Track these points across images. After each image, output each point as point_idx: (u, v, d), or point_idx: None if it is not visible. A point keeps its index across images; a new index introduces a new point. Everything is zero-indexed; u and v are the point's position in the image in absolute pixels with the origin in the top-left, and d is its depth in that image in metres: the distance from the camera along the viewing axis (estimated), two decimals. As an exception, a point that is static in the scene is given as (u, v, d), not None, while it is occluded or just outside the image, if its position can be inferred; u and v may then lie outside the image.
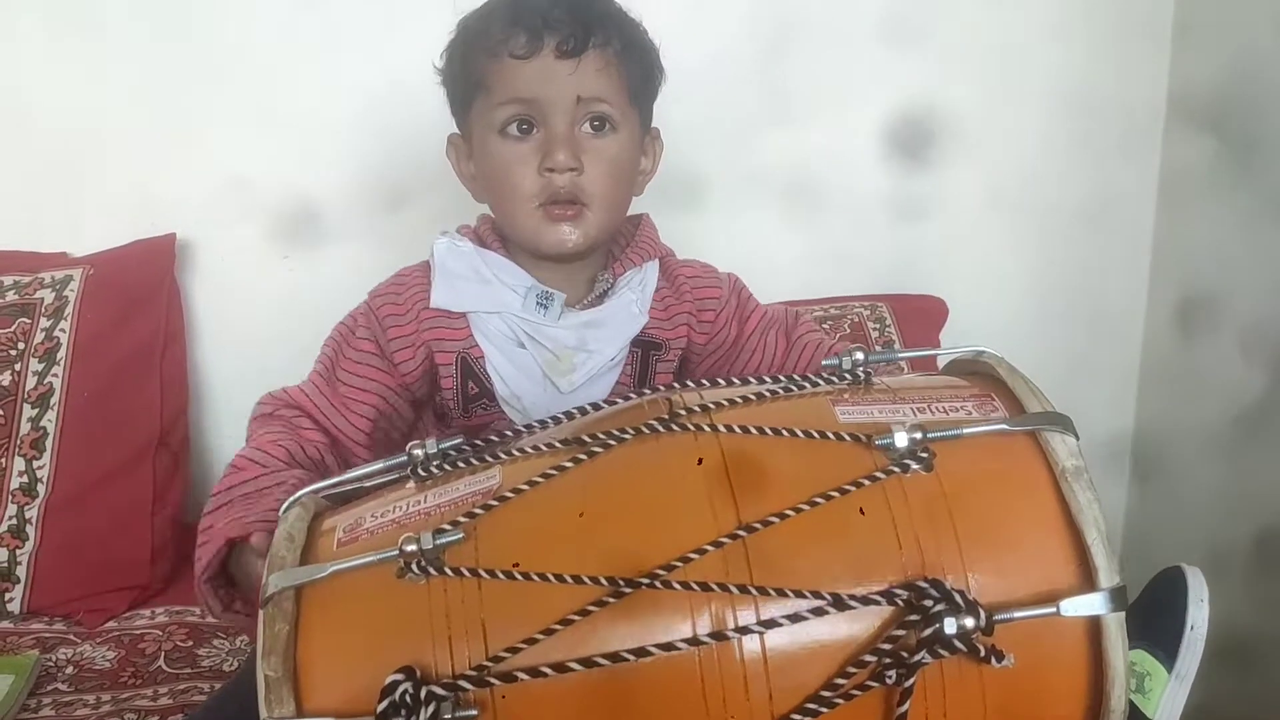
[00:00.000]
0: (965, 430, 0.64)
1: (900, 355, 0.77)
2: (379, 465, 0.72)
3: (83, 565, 1.22)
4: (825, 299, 1.50)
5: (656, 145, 1.00)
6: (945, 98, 1.49)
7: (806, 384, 0.72)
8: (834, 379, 0.72)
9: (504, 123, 0.90)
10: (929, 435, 0.63)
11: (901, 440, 0.63)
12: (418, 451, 0.70)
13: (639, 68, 0.94)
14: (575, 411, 0.74)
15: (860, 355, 0.72)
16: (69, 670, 1.09)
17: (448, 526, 0.62)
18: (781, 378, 0.73)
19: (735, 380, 0.74)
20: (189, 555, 1.27)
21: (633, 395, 0.75)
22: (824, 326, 1.45)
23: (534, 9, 0.88)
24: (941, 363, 0.78)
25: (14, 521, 1.21)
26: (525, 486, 0.64)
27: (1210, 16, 1.46)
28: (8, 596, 1.20)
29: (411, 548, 0.61)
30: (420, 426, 0.98)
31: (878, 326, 1.47)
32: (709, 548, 0.60)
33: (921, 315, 1.51)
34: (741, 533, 0.60)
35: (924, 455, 0.63)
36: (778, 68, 1.46)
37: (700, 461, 0.64)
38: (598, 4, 0.92)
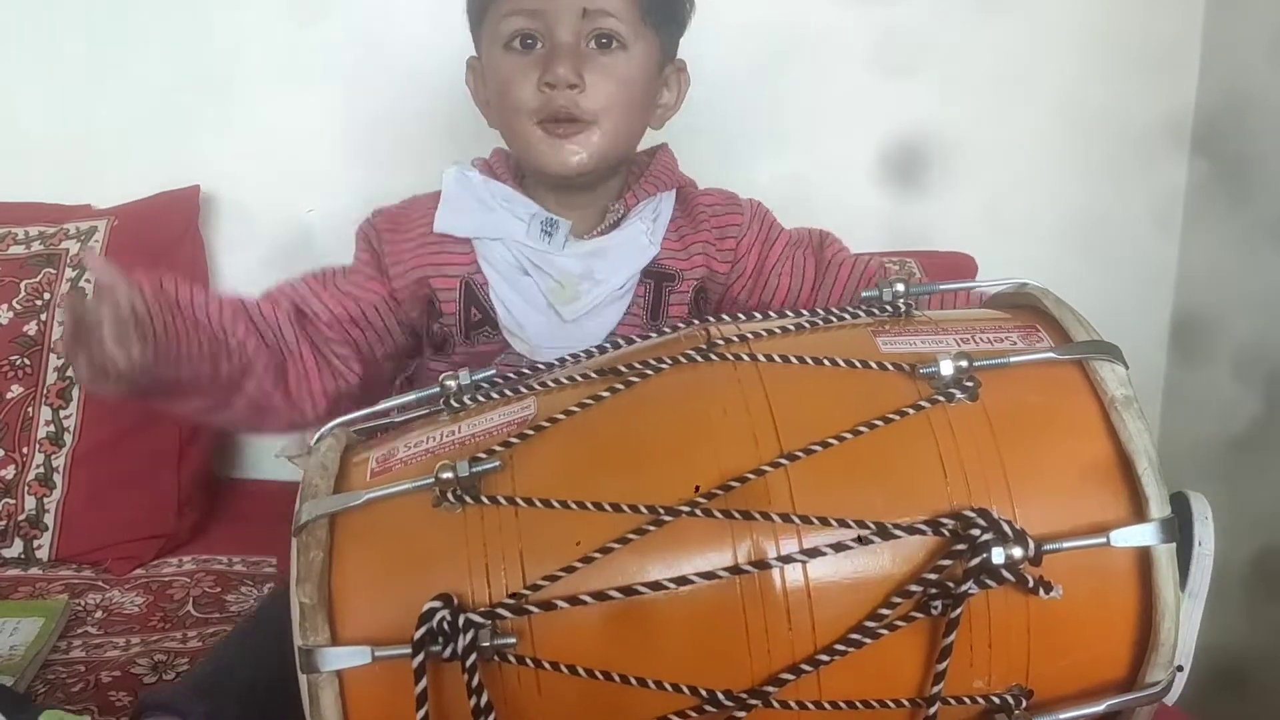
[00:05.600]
0: (1012, 359, 0.63)
1: (942, 286, 0.75)
2: (411, 397, 0.71)
3: (110, 514, 1.22)
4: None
5: (681, 79, 0.97)
6: (941, 122, 1.46)
7: (846, 315, 0.70)
8: (874, 311, 0.71)
9: (509, 36, 0.88)
10: (975, 364, 0.62)
11: (947, 369, 0.62)
12: (450, 383, 0.69)
13: None
14: (609, 345, 0.73)
15: (901, 287, 0.71)
16: (98, 615, 1.08)
17: (484, 455, 0.61)
18: (820, 310, 0.71)
19: (772, 313, 0.72)
20: (216, 507, 1.31)
21: (667, 330, 0.74)
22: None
23: None
24: (983, 295, 0.76)
25: (41, 470, 1.21)
26: (562, 416, 0.63)
27: (1202, 38, 1.45)
28: (36, 544, 1.19)
29: (447, 475, 0.60)
30: (417, 355, 0.98)
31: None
32: (751, 476, 0.58)
33: (952, 271, 1.49)
34: (784, 461, 0.59)
35: (969, 384, 0.62)
36: (775, 92, 1.43)
37: (741, 390, 0.62)
38: None
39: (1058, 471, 0.61)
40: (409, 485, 0.61)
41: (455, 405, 0.69)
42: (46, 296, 1.27)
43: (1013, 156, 1.48)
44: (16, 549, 1.19)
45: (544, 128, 0.88)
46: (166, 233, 1.36)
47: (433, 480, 0.60)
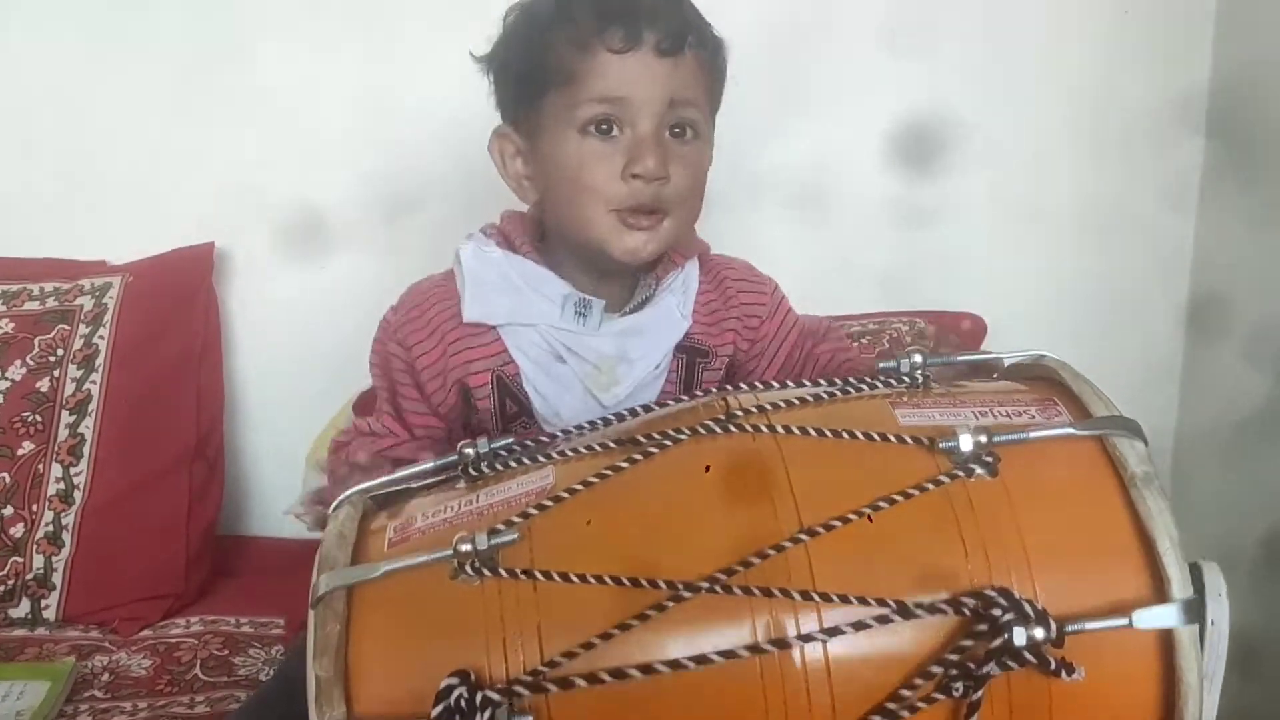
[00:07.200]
0: (1032, 434, 0.63)
1: (960, 359, 0.75)
2: (429, 465, 0.71)
3: (118, 573, 1.22)
4: (864, 314, 1.48)
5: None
6: (951, 104, 1.46)
7: (864, 386, 0.70)
8: (891, 382, 0.71)
9: (586, 121, 0.85)
10: (994, 439, 0.62)
11: (966, 444, 0.61)
12: (469, 450, 0.69)
13: (719, 73, 0.91)
14: (627, 413, 0.73)
15: (919, 358, 0.71)
16: (105, 678, 1.08)
17: (502, 526, 0.61)
18: (838, 380, 0.71)
19: (790, 383, 0.72)
20: (224, 566, 1.31)
21: (685, 398, 0.74)
22: (861, 341, 1.44)
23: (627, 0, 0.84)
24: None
25: (50, 528, 1.21)
26: (580, 486, 0.63)
27: (1212, 19, 1.45)
28: (44, 603, 1.19)
29: (466, 548, 0.59)
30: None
31: (918, 344, 1.45)
32: (770, 552, 0.58)
33: (961, 333, 1.49)
34: (804, 537, 0.59)
35: (989, 460, 0.62)
36: (783, 74, 1.43)
37: (761, 463, 0.62)
38: (689, 2, 0.88)
39: (1079, 549, 0.61)
40: (427, 557, 0.60)
41: (473, 474, 0.69)
42: (60, 352, 1.28)
43: (1026, 138, 1.48)
44: (24, 609, 1.19)
45: (620, 216, 0.86)
46: (181, 289, 1.38)
47: (451, 552, 0.60)
